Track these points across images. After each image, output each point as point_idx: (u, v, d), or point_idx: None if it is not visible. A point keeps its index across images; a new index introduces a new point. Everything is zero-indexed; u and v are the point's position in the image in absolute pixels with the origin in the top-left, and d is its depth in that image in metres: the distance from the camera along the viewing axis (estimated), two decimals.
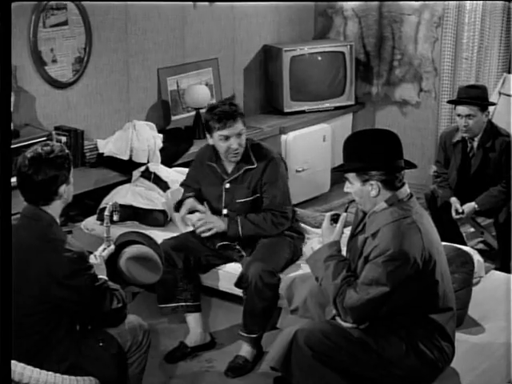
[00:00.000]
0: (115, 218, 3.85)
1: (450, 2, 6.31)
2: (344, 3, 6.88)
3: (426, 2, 6.52)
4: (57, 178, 3.12)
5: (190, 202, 4.32)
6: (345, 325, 3.25)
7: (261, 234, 4.21)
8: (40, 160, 3.10)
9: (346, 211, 3.43)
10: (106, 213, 3.77)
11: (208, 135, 4.23)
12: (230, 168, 4.29)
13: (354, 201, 3.34)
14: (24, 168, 3.11)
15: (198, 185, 4.41)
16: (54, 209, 3.17)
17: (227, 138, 4.13)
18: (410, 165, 3.31)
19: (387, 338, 3.22)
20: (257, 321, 4.07)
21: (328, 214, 3.41)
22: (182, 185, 4.53)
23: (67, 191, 3.18)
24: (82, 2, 5.21)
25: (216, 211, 4.32)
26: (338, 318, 3.28)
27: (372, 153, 3.20)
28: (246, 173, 4.25)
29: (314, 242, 3.62)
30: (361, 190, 3.23)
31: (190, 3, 5.92)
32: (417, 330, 3.24)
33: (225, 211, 4.27)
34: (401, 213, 3.20)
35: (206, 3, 6.01)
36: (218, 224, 4.24)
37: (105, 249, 3.54)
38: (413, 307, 3.22)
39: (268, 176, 4.24)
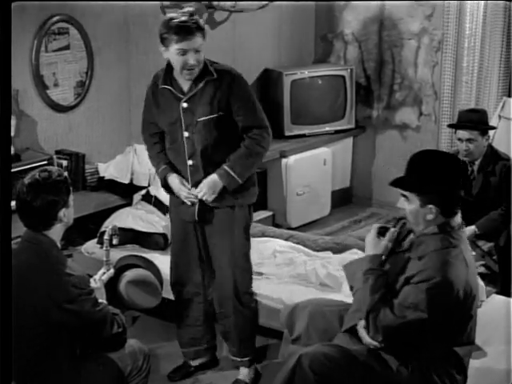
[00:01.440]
0: (115, 241, 3.84)
1: (450, 26, 6.33)
2: (345, 28, 6.92)
3: (425, 26, 6.56)
4: (55, 203, 3.13)
5: (177, 184, 3.95)
6: (367, 341, 3.21)
7: (255, 166, 4.00)
8: (38, 186, 3.11)
9: (394, 227, 3.34)
10: (106, 236, 3.78)
11: (163, 48, 3.83)
12: (186, 87, 3.88)
13: (402, 218, 3.30)
14: (22, 194, 3.11)
15: (154, 119, 4.01)
16: (55, 233, 3.18)
17: (184, 52, 3.75)
18: (466, 199, 3.35)
19: (396, 366, 3.19)
20: (248, 344, 4.08)
21: (375, 226, 3.35)
22: (143, 133, 4.13)
23: (67, 215, 3.19)
24: (84, 27, 5.24)
25: (175, 138, 3.94)
26: (361, 331, 3.23)
27: (438, 177, 3.15)
28: (206, 87, 3.85)
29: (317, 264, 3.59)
30: (417, 210, 3.17)
31: None
32: (435, 361, 3.19)
33: (186, 134, 3.88)
34: (451, 241, 3.17)
35: (207, 27, 6.04)
36: (214, 185, 3.87)
37: (104, 273, 3.54)
38: (440, 339, 3.18)
39: (238, 93, 3.90)
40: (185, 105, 3.87)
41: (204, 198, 3.89)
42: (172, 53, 3.78)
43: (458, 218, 3.22)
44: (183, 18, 3.74)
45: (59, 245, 3.22)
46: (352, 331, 3.31)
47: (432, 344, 3.16)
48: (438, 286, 3.05)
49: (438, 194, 3.14)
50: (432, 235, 3.18)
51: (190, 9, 3.87)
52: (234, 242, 4.02)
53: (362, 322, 3.23)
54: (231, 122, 3.91)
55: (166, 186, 4.02)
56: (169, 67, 3.91)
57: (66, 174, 3.22)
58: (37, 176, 3.13)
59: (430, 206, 3.13)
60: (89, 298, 3.15)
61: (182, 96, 3.87)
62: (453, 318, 3.12)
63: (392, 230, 3.31)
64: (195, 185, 3.91)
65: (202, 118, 3.85)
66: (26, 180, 3.14)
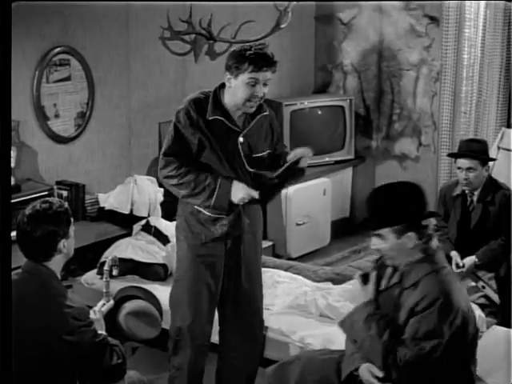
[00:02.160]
0: (114, 272, 3.84)
1: (448, 56, 6.38)
2: (344, 59, 6.97)
3: (424, 57, 6.61)
4: (55, 234, 3.13)
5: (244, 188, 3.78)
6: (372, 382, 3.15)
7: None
8: (38, 216, 3.11)
9: (375, 269, 3.32)
10: (106, 267, 3.77)
11: (230, 76, 3.72)
12: (239, 120, 3.84)
13: (380, 258, 3.27)
14: (23, 225, 3.12)
15: (190, 148, 3.82)
16: (55, 264, 3.18)
17: (255, 83, 3.70)
18: (435, 214, 3.30)
19: None
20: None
21: (358, 275, 3.32)
22: (166, 155, 3.85)
23: (67, 246, 3.19)
24: (86, 58, 5.28)
25: (231, 171, 3.83)
26: (365, 374, 3.18)
27: (404, 204, 3.15)
28: (260, 123, 3.89)
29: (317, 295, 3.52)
30: (396, 243, 3.14)
31: (192, 59, 5.99)
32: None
33: (248, 168, 3.84)
34: (438, 263, 3.17)
35: (207, 58, 6.08)
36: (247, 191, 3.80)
37: (104, 304, 3.53)
38: (459, 365, 3.15)
39: (277, 130, 4.01)
40: (241, 139, 3.84)
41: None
42: (241, 82, 3.71)
43: (435, 242, 3.21)
44: (261, 48, 3.76)
45: (59, 276, 3.22)
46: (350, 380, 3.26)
47: (451, 373, 3.13)
48: (445, 306, 3.03)
49: (409, 219, 3.12)
50: (418, 262, 3.16)
51: (263, 42, 3.94)
52: (259, 267, 4.07)
53: (365, 366, 3.19)
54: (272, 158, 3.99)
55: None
56: (216, 98, 3.83)
57: (67, 205, 3.23)
58: (38, 207, 3.14)
59: (408, 233, 3.12)
60: (88, 330, 3.14)
61: (238, 129, 3.84)
62: (468, 337, 3.10)
63: (374, 273, 3.29)
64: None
65: (258, 154, 3.90)
66: (27, 210, 3.15)
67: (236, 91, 3.75)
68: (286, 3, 6.06)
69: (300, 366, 3.40)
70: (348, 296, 3.36)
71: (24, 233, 3.12)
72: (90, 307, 3.41)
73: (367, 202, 3.23)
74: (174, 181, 3.80)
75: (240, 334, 4.04)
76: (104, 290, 3.70)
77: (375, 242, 3.17)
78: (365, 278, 3.29)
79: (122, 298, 3.76)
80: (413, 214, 3.13)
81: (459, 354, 3.12)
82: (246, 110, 3.80)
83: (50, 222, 3.12)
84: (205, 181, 3.76)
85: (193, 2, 5.65)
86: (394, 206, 3.15)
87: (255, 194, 3.79)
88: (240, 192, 3.77)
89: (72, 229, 3.22)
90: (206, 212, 3.86)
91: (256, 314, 4.09)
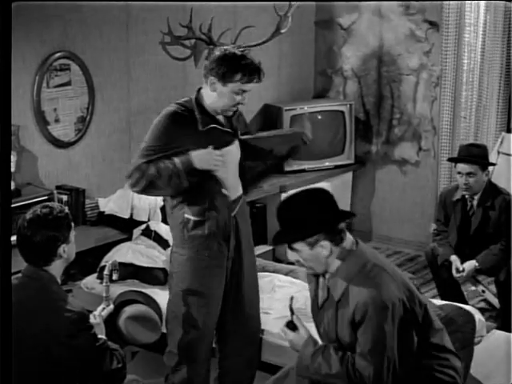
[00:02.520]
0: (114, 277, 3.83)
1: (448, 61, 6.39)
2: (344, 64, 6.98)
3: (424, 62, 6.62)
4: (56, 239, 3.13)
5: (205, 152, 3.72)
6: None
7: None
8: (38, 221, 3.12)
9: (291, 310, 3.22)
10: (106, 272, 3.77)
11: (216, 81, 3.68)
12: (225, 122, 3.86)
13: (292, 298, 3.22)
14: (23, 229, 3.13)
15: (176, 148, 3.72)
16: (55, 268, 3.18)
17: (243, 92, 3.70)
18: (349, 214, 3.25)
19: None
20: None
21: (283, 328, 3.20)
22: (145, 155, 3.74)
23: (67, 251, 3.19)
24: (86, 63, 5.29)
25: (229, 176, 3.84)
26: None
27: (313, 214, 3.04)
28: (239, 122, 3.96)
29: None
30: (311, 254, 3.06)
31: (192, 63, 5.99)
32: (426, 362, 3.12)
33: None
34: (358, 262, 3.06)
35: (207, 63, 6.08)
36: None
37: (104, 308, 3.53)
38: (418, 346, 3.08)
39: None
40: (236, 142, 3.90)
41: None
42: (229, 90, 3.68)
43: (349, 239, 3.11)
44: (251, 59, 3.69)
45: (59, 280, 3.22)
46: None
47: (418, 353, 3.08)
48: (379, 307, 2.95)
49: (321, 229, 3.03)
50: (339, 270, 3.08)
51: (243, 49, 3.84)
52: (256, 272, 4.11)
53: None
54: None
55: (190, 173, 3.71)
56: (199, 104, 3.79)
57: (67, 210, 3.23)
58: (38, 212, 3.15)
59: (321, 243, 3.04)
60: (88, 334, 3.14)
61: (230, 130, 3.87)
62: (418, 317, 3.05)
63: (295, 316, 3.21)
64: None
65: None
66: (28, 215, 3.15)
67: (222, 98, 3.72)
68: (286, 8, 6.07)
69: (295, 380, 3.33)
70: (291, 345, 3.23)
71: (24, 237, 3.13)
72: (90, 311, 3.42)
73: (277, 215, 3.12)
74: (143, 183, 3.73)
75: (240, 338, 4.02)
76: (104, 295, 3.70)
77: (290, 255, 3.11)
78: (292, 325, 3.20)
79: (121, 303, 3.76)
80: (323, 223, 3.04)
81: (416, 335, 3.06)
82: (225, 113, 3.81)
83: (50, 227, 3.13)
84: (165, 164, 3.69)
85: (193, 7, 5.66)
86: (304, 218, 3.05)
87: (218, 157, 3.72)
88: (203, 157, 3.70)
89: (72, 234, 3.23)
90: (191, 217, 3.81)
91: (255, 319, 4.09)
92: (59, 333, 3.06)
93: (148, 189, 3.75)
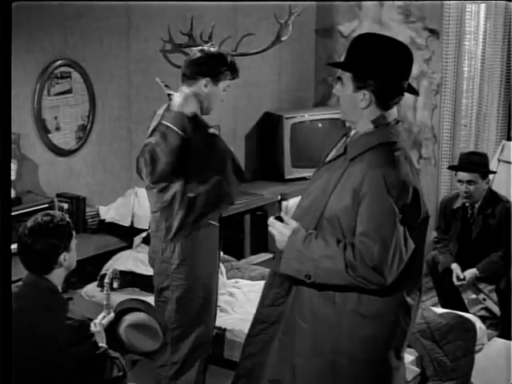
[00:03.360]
0: (115, 285, 3.83)
1: (448, 69, 6.40)
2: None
3: (424, 70, 6.62)
4: (56, 247, 3.13)
5: None
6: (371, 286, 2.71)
7: None
8: (39, 229, 3.11)
9: (279, 208, 3.07)
10: (106, 280, 3.77)
11: (211, 83, 3.79)
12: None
13: (283, 200, 3.08)
14: (24, 237, 3.13)
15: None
16: (56, 277, 3.18)
17: (225, 90, 3.87)
18: (414, 91, 2.95)
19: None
20: None
21: (271, 219, 2.90)
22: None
23: (68, 259, 3.19)
24: (87, 71, 5.29)
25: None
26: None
27: (382, 59, 2.78)
28: None
29: None
30: (351, 96, 2.81)
31: None
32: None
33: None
34: (389, 136, 2.81)
35: None
36: None
37: (105, 316, 3.53)
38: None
39: None
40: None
41: None
42: (220, 88, 3.83)
43: (393, 112, 2.86)
44: (233, 59, 3.87)
45: (60, 288, 3.22)
46: None
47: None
48: (393, 185, 2.69)
49: (375, 78, 2.77)
50: (366, 134, 2.82)
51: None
52: None
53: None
54: None
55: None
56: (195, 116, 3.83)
57: (68, 218, 3.23)
58: (39, 219, 3.15)
59: (365, 91, 2.78)
60: (89, 342, 3.14)
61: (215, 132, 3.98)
62: (421, 213, 2.77)
63: (282, 213, 2.94)
64: None
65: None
66: (29, 223, 3.15)
67: (212, 97, 3.82)
68: (287, 16, 6.08)
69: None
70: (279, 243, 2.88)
71: (25, 245, 3.13)
72: (91, 320, 3.41)
73: (350, 42, 2.87)
74: (147, 157, 3.68)
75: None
76: (104, 303, 3.70)
77: (336, 88, 2.89)
78: (280, 219, 2.89)
79: (122, 311, 3.75)
80: (377, 72, 2.77)
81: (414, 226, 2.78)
82: (206, 112, 3.88)
83: (51, 235, 3.12)
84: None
85: (194, 16, 5.67)
86: (364, 55, 2.79)
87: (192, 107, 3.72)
88: (188, 100, 3.74)
89: (73, 242, 3.22)
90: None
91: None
92: (60, 341, 3.06)
93: (154, 165, 3.66)
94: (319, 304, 2.82)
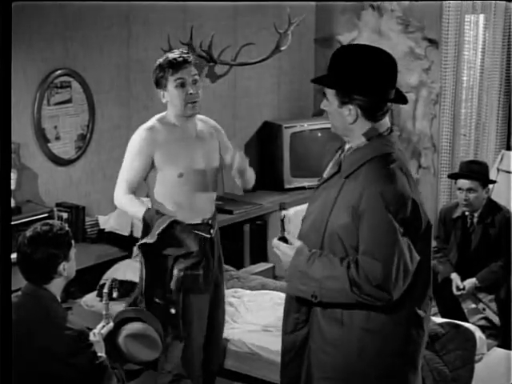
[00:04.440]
0: (114, 295, 3.82)
1: (447, 79, 6.41)
2: None
3: (423, 80, 6.63)
4: (56, 257, 3.12)
5: None
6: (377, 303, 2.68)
7: None
8: (38, 239, 3.11)
9: (282, 226, 2.92)
10: (105, 290, 3.76)
11: (162, 93, 3.87)
12: (192, 128, 3.93)
13: (283, 209, 3.03)
14: (23, 247, 3.12)
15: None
16: (55, 286, 3.17)
17: (183, 83, 3.80)
18: (402, 99, 2.85)
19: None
20: None
21: (276, 240, 2.86)
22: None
23: (67, 269, 3.18)
24: (87, 80, 5.30)
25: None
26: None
27: (365, 72, 2.70)
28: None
29: None
30: (337, 111, 2.76)
31: None
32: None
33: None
34: (383, 149, 2.73)
35: (208, 81, 6.11)
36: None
37: (104, 326, 3.52)
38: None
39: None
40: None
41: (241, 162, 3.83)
42: (171, 88, 3.82)
43: (385, 122, 2.78)
44: (174, 54, 3.85)
45: (59, 298, 3.21)
46: None
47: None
48: (391, 195, 2.63)
49: (359, 92, 2.69)
50: (360, 148, 2.76)
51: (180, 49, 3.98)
52: None
53: None
54: None
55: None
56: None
57: (67, 227, 3.22)
58: (38, 229, 3.14)
59: (350, 106, 2.71)
60: (88, 352, 3.13)
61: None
62: (422, 224, 2.72)
63: (285, 233, 2.88)
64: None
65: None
66: (28, 233, 3.15)
67: (173, 100, 3.83)
68: (286, 26, 6.10)
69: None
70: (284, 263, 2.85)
71: (24, 255, 3.12)
72: (90, 329, 3.41)
73: (332, 55, 2.85)
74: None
75: (217, 352, 4.16)
76: (103, 312, 3.69)
77: (323, 103, 2.85)
78: (284, 240, 2.86)
79: (122, 320, 3.74)
80: (361, 84, 2.69)
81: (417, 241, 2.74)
82: (189, 112, 3.85)
83: (50, 245, 3.12)
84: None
85: (194, 25, 5.68)
86: (347, 68, 2.73)
87: None
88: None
89: (73, 251, 3.22)
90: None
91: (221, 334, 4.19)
92: (59, 351, 3.05)
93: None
94: (326, 324, 2.78)
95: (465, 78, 6.39)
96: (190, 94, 3.80)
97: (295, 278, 2.76)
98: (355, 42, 6.88)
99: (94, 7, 5.29)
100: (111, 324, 3.58)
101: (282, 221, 2.93)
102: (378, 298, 2.64)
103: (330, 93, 2.77)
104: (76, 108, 5.28)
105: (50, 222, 3.22)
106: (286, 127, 6.49)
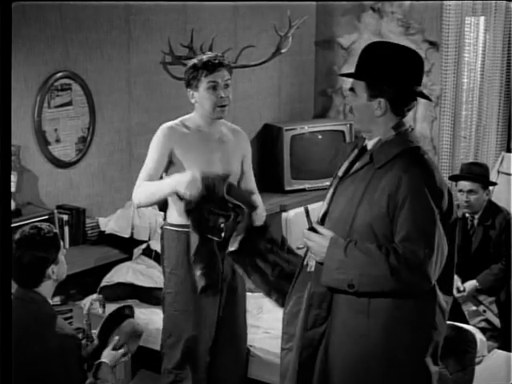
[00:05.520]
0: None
1: (448, 81, 6.41)
2: (344, 84, 7.00)
3: (424, 82, 6.61)
4: (44, 260, 3.09)
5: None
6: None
7: None
8: (26, 242, 3.08)
9: (308, 217, 2.94)
10: (85, 311, 3.48)
11: (192, 93, 3.88)
12: (215, 131, 3.93)
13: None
14: (12, 251, 3.08)
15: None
16: (45, 289, 3.13)
17: (215, 86, 3.81)
18: (427, 97, 2.94)
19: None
20: None
21: (306, 231, 2.90)
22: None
23: (56, 272, 3.13)
24: (87, 83, 5.30)
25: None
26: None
27: (395, 66, 2.77)
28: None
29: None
30: (365, 105, 2.81)
31: None
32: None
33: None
34: (412, 142, 2.81)
35: None
36: None
37: (87, 345, 3.39)
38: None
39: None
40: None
41: None
42: (203, 90, 3.82)
43: (408, 120, 2.88)
44: (210, 56, 3.87)
45: (50, 300, 3.18)
46: None
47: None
48: (431, 188, 2.68)
49: (389, 85, 2.77)
50: (390, 140, 2.81)
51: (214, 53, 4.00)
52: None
53: None
54: None
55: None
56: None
57: (55, 230, 3.18)
58: (25, 232, 3.10)
59: (380, 99, 2.78)
60: (76, 356, 3.09)
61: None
62: (454, 212, 2.79)
63: (314, 223, 2.91)
64: None
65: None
66: (16, 235, 3.11)
67: (203, 102, 3.84)
68: (287, 29, 6.10)
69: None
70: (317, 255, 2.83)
71: (13, 258, 3.07)
72: (83, 332, 3.37)
73: (362, 50, 2.89)
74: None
75: (231, 358, 4.06)
76: (85, 332, 3.44)
77: (349, 99, 2.92)
78: (314, 231, 2.86)
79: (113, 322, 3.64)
80: (392, 79, 2.76)
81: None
82: (218, 115, 3.87)
83: (37, 248, 3.08)
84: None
85: (194, 28, 5.69)
86: (379, 62, 2.79)
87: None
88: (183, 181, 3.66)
89: (61, 254, 3.16)
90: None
91: (245, 340, 4.14)
92: (48, 354, 3.03)
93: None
94: (351, 317, 2.78)
95: (465, 81, 6.39)
96: (221, 97, 3.82)
97: (332, 268, 2.75)
98: (356, 45, 6.90)
99: (94, 10, 5.30)
100: (95, 342, 3.46)
101: (307, 212, 2.93)
102: (418, 284, 2.67)
103: (360, 86, 2.82)
104: (76, 110, 5.28)
105: (38, 224, 3.17)
106: (286, 130, 6.49)
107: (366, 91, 2.80)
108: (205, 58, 3.85)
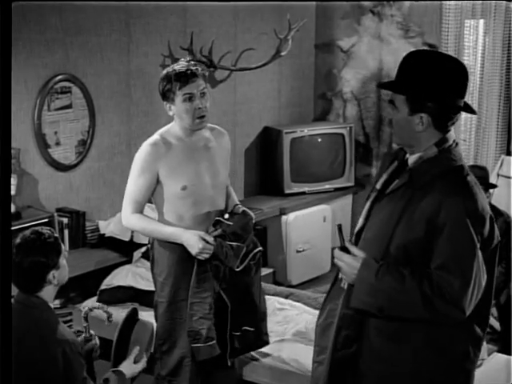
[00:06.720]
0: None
1: None
2: (344, 87, 7.00)
3: None
4: (44, 265, 3.06)
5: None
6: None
7: None
8: (26, 247, 3.05)
9: (341, 235, 2.82)
10: (83, 314, 3.41)
11: (168, 105, 3.75)
12: (198, 139, 3.83)
13: (341, 225, 2.82)
14: (12, 255, 3.05)
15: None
16: (46, 294, 3.11)
17: (191, 97, 3.68)
18: (471, 110, 2.76)
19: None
20: None
21: (338, 251, 2.75)
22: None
23: (57, 276, 3.10)
24: (87, 86, 5.30)
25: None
26: None
27: (438, 79, 2.60)
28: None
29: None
30: (406, 119, 2.63)
31: None
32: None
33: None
34: (455, 160, 2.63)
35: (208, 86, 6.11)
36: None
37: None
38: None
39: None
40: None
41: None
42: (179, 102, 3.70)
43: (452, 134, 2.68)
44: (182, 66, 3.71)
45: (52, 305, 3.16)
46: None
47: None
48: (474, 214, 2.53)
49: (432, 99, 2.59)
50: (431, 158, 2.64)
51: (187, 58, 3.90)
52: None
53: None
54: None
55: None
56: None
57: (56, 234, 3.16)
58: (26, 237, 3.08)
59: (422, 114, 2.60)
60: (77, 361, 3.08)
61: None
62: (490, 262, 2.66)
63: (346, 242, 2.79)
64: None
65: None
66: (16, 240, 3.09)
67: (181, 115, 3.72)
68: (286, 31, 6.11)
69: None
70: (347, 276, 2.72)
71: (13, 263, 3.05)
72: (83, 335, 3.36)
73: (401, 60, 2.68)
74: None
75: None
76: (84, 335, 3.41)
77: (388, 111, 2.82)
78: (345, 250, 2.75)
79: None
80: (434, 93, 2.59)
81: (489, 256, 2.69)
82: (197, 127, 3.76)
83: (38, 253, 3.05)
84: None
85: (194, 31, 5.70)
86: (423, 73, 2.60)
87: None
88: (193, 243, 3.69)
89: (63, 258, 3.13)
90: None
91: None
92: (48, 359, 3.01)
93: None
94: (380, 342, 2.69)
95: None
96: (199, 108, 3.70)
97: (362, 291, 2.63)
98: (356, 47, 6.91)
99: (95, 13, 5.30)
100: (94, 341, 3.44)
101: (340, 229, 2.82)
102: (451, 315, 2.56)
103: (400, 100, 2.64)
104: (76, 113, 5.28)
105: (39, 229, 3.13)
106: (286, 132, 6.50)
107: (406, 105, 2.62)
108: (176, 68, 3.70)
